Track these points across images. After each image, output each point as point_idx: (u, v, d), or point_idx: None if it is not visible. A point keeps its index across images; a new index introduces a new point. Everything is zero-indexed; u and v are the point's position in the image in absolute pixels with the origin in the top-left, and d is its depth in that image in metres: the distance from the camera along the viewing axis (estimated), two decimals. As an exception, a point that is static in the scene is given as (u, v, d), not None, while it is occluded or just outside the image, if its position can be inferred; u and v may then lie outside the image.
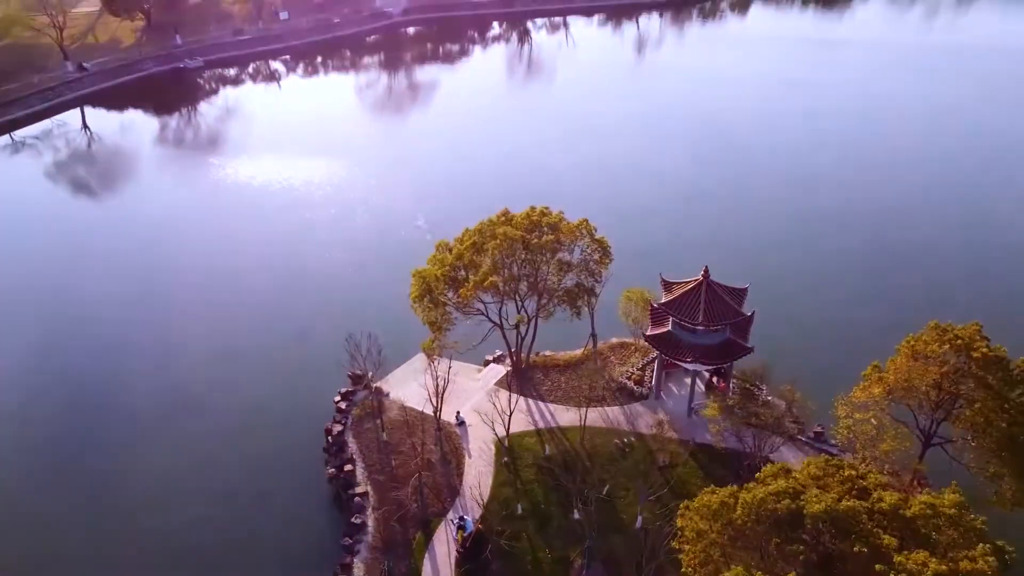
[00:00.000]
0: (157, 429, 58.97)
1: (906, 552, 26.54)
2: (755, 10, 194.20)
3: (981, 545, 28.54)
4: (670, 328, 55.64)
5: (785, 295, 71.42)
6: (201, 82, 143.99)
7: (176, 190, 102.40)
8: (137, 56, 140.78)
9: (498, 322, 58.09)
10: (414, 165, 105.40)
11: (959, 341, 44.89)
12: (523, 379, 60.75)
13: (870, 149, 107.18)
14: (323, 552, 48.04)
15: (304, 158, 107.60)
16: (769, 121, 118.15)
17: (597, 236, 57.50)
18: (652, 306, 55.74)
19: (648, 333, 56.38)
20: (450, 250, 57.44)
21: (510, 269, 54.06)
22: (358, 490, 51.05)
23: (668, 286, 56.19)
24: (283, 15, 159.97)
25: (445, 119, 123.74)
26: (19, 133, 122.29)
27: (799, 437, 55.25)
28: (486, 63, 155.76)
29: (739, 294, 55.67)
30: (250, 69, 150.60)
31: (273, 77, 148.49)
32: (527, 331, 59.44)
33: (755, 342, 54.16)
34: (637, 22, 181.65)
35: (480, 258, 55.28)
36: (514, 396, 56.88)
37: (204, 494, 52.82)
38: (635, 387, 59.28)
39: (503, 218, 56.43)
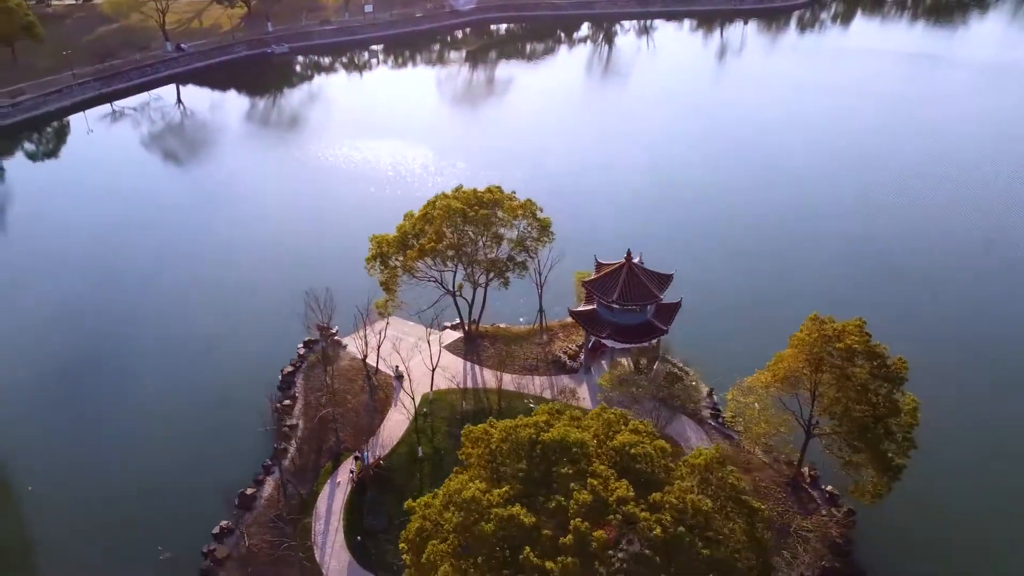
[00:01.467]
0: (164, 357, 67.51)
1: (609, 473, 29.95)
2: (859, 22, 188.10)
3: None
4: (595, 307, 59.19)
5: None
6: (285, 67, 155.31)
7: (253, 162, 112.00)
8: (230, 40, 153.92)
9: (450, 289, 63.24)
10: (477, 153, 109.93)
11: (830, 332, 46.44)
12: (470, 345, 65.49)
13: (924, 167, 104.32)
14: (249, 469, 54.50)
15: (376, 140, 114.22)
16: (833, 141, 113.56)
17: (540, 216, 61.64)
18: (583, 284, 59.42)
19: (572, 309, 60.13)
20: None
21: (450, 238, 58.81)
22: (290, 422, 57.41)
23: (599, 267, 59.65)
24: (368, 8, 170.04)
25: (513, 115, 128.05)
26: (119, 103, 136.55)
27: (709, 422, 57.56)
28: (562, 63, 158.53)
29: (662, 280, 58.39)
30: (333, 57, 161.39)
31: (354, 65, 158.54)
32: (472, 300, 64.24)
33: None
34: (722, 30, 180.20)
35: (428, 227, 60.42)
36: (447, 357, 61.95)
37: (174, 411, 60.35)
38: (568, 360, 62.94)
39: (453, 193, 61.32)
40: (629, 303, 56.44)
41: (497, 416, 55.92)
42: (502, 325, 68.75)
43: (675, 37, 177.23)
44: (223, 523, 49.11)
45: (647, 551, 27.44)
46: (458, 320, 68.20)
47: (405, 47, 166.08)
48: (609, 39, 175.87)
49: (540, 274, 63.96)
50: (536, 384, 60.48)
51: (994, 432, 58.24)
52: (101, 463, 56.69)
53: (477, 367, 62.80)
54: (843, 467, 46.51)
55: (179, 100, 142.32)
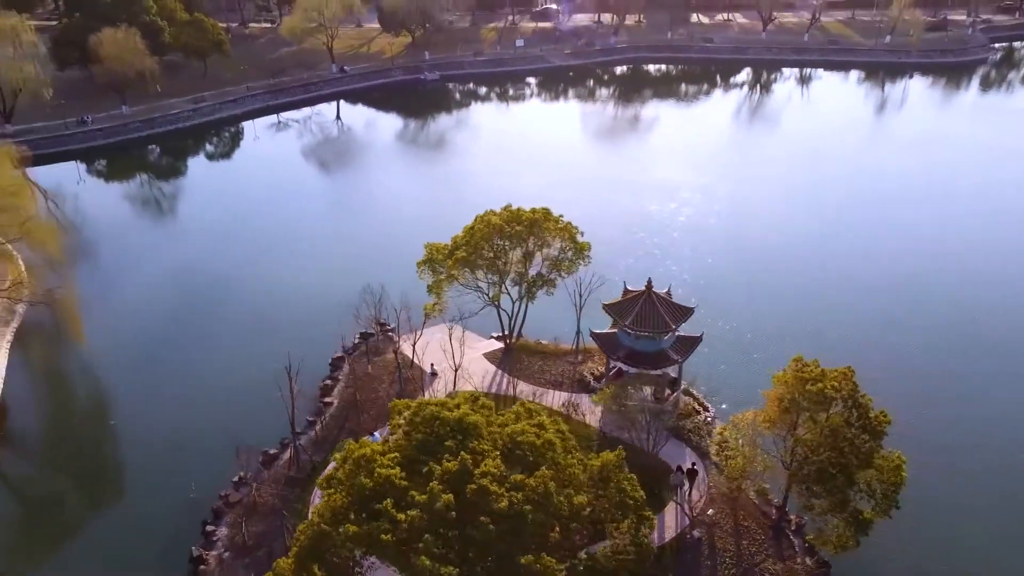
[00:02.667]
0: (249, 327, 76.56)
1: (491, 452, 32.96)
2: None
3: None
4: (617, 331, 61.39)
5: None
6: (435, 92, 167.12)
7: (394, 175, 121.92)
8: (387, 66, 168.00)
9: (491, 301, 67.75)
10: (596, 183, 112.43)
11: (808, 376, 46.34)
12: (507, 356, 69.40)
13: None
14: (281, 435, 61.22)
15: (513, 165, 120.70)
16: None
17: (579, 240, 64.92)
18: (604, 307, 61.91)
19: (594, 331, 62.58)
20: (466, 233, 68.28)
21: (486, 252, 63.36)
22: (326, 399, 63.88)
23: (624, 294, 61.81)
24: (519, 43, 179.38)
25: (648, 152, 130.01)
26: (284, 115, 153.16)
27: (713, 458, 57.74)
28: (712, 106, 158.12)
29: (682, 312, 59.67)
30: (480, 86, 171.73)
31: (501, 95, 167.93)
32: (512, 313, 68.30)
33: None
34: (883, 84, 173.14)
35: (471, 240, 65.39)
36: (482, 363, 66.29)
37: (239, 375, 68.08)
38: (592, 380, 65.23)
39: (500, 211, 65.92)
40: (642, 329, 58.22)
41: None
42: (544, 341, 71.99)
43: (835, 88, 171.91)
44: (241, 473, 55.88)
45: (486, 519, 30.27)
46: (501, 332, 72.31)
47: (553, 81, 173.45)
48: (766, 85, 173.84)
49: (581, 296, 66.86)
50: (553, 397, 63.20)
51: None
52: (171, 409, 65.36)
53: (505, 375, 66.51)
54: (804, 511, 46.03)
55: (338, 116, 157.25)
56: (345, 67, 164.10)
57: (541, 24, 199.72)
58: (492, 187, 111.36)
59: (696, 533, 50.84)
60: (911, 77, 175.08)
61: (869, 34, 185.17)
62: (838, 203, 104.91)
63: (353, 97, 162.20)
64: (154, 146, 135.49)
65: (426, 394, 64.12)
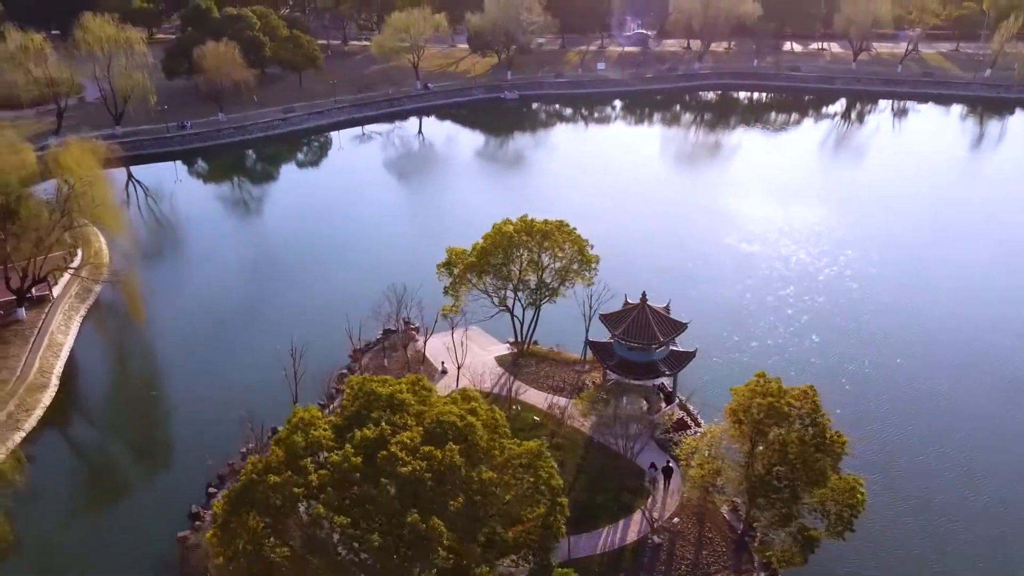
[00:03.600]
0: (290, 313, 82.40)
1: (412, 425, 36.13)
2: None
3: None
4: (612, 341, 63.38)
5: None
6: (514, 112, 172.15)
7: (465, 187, 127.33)
8: (470, 84, 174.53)
9: (502, 306, 71.00)
10: (663, 211, 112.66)
11: (763, 390, 47.28)
12: (517, 360, 72.32)
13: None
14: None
15: (578, 185, 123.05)
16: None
17: (588, 253, 67.39)
18: (600, 317, 64.06)
19: (591, 340, 64.74)
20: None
21: (495, 259, 66.68)
22: (340, 387, 68.54)
23: (624, 305, 63.79)
24: (600, 66, 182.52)
25: (717, 182, 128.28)
26: (369, 127, 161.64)
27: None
28: (798, 136, 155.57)
29: (674, 326, 61.13)
30: (559, 107, 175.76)
31: (579, 117, 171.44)
32: (523, 319, 71.28)
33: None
34: (982, 118, 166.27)
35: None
36: (492, 365, 69.57)
37: (267, 355, 72.85)
38: (591, 387, 67.28)
39: (517, 220, 69.18)
40: (631, 340, 60.10)
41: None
42: (555, 348, 74.49)
43: (927, 121, 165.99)
44: (249, 446, 60.99)
45: (386, 480, 33.47)
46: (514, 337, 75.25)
47: (632, 105, 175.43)
48: (852, 116, 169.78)
49: (591, 307, 69.09)
50: (551, 401, 65.62)
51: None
52: (205, 383, 71.48)
53: (509, 377, 69.30)
54: (752, 525, 46.77)
55: (420, 131, 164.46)
56: (429, 84, 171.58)
57: (628, 48, 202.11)
58: (556, 202, 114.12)
59: (657, 539, 52.18)
60: (1012, 113, 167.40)
61: (969, 67, 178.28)
62: (917, 240, 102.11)
63: (435, 113, 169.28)
64: (244, 151, 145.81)
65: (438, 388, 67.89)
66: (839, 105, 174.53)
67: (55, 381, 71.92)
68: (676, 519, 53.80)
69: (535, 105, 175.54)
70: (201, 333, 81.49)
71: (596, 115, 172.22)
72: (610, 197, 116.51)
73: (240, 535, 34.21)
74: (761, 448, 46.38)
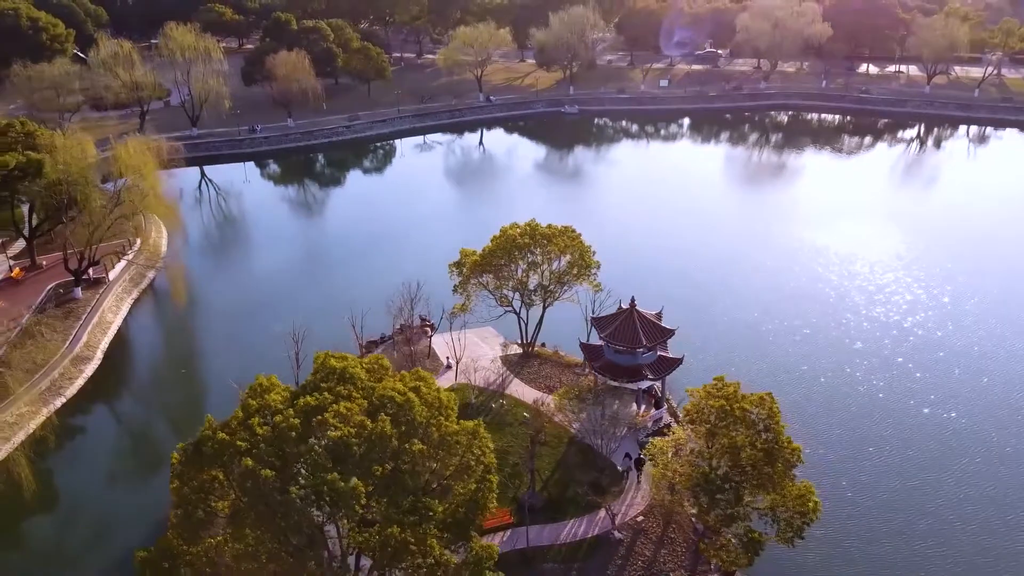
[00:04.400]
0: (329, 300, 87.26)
1: (356, 396, 39.22)
2: None
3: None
4: (602, 344, 65.18)
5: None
6: (574, 126, 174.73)
7: (512, 196, 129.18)
8: (532, 98, 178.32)
9: (510, 307, 73.71)
10: (713, 227, 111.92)
11: (716, 392, 48.39)
12: (521, 360, 74.80)
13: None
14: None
15: (627, 199, 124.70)
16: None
17: (589, 258, 69.48)
18: (591, 319, 65.98)
19: (583, 342, 66.63)
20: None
21: (497, 260, 69.50)
22: (349, 375, 72.52)
23: (619, 310, 65.54)
24: (663, 83, 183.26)
25: (770, 201, 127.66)
26: (430, 137, 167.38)
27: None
28: (865, 160, 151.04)
29: (661, 332, 62.51)
30: (618, 122, 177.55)
31: (640, 133, 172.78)
32: (527, 320, 73.77)
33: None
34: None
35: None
36: (496, 363, 72.39)
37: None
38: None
39: (524, 224, 71.89)
40: (616, 343, 61.82)
41: (477, 411, 65.24)
42: (562, 352, 76.58)
43: (1004, 149, 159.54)
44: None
45: (315, 441, 36.68)
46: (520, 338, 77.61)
47: (693, 123, 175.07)
48: (927, 141, 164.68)
49: (593, 311, 70.99)
50: (544, 401, 67.73)
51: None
52: (228, 362, 76.16)
53: (508, 375, 71.93)
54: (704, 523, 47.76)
55: (481, 142, 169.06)
56: (491, 97, 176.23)
57: (696, 66, 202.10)
58: (598, 214, 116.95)
59: (618, 535, 53.72)
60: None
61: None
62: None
63: (495, 124, 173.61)
64: (309, 155, 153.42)
65: (439, 379, 71.10)
66: (908, 129, 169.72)
67: (99, 355, 78.59)
68: (640, 517, 55.15)
69: (595, 120, 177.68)
70: (236, 319, 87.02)
71: (655, 132, 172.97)
72: (657, 213, 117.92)
73: (191, 486, 38.02)
74: (712, 449, 47.44)
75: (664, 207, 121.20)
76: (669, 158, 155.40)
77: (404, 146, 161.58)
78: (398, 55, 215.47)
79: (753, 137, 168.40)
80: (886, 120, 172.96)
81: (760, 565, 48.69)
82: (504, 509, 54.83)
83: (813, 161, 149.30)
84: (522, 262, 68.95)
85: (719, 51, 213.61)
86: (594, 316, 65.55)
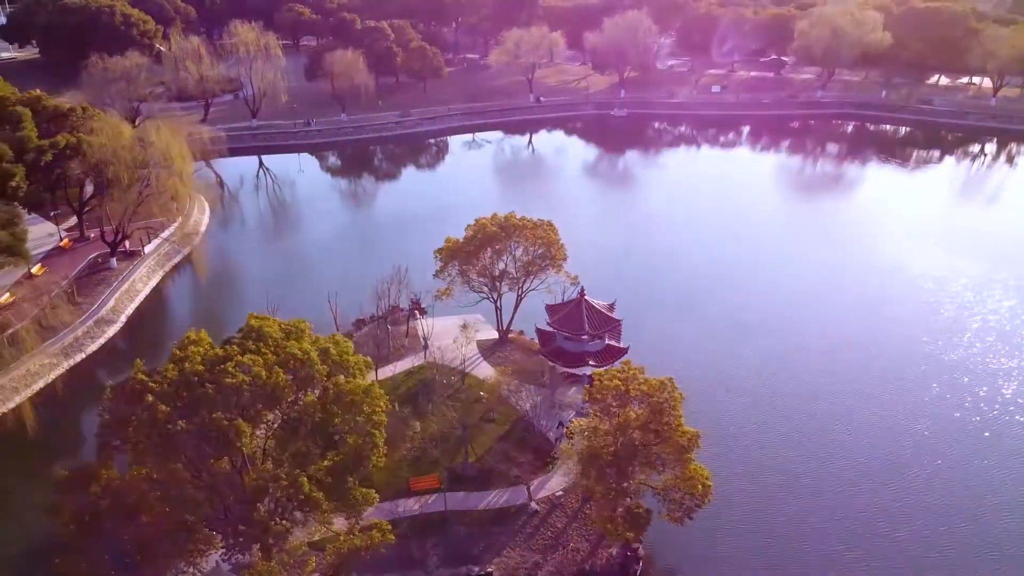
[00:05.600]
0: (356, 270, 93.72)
1: (265, 352, 44.30)
2: None
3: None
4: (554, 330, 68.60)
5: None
6: (621, 129, 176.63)
7: (546, 193, 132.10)
8: (581, 100, 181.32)
9: (483, 294, 77.77)
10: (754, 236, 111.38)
11: (620, 374, 51.23)
12: (495, 346, 78.79)
13: None
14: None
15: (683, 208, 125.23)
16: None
17: (560, 251, 72.84)
18: (546, 306, 69.40)
19: (539, 327, 70.06)
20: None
21: (467, 248, 73.64)
22: (333, 348, 78.19)
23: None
24: (715, 88, 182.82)
25: (807, 210, 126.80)
26: (479, 135, 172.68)
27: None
28: (925, 174, 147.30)
29: (607, 321, 65.48)
30: (665, 127, 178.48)
31: (684, 138, 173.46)
32: (501, 307, 77.70)
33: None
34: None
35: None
36: (470, 348, 76.54)
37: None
38: (542, 374, 72.51)
39: (503, 216, 75.74)
40: (562, 329, 65.17)
41: (435, 389, 69.44)
42: (532, 339, 79.88)
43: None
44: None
45: (211, 385, 41.93)
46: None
47: (744, 129, 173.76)
48: (986, 155, 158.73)
49: (563, 300, 74.27)
50: (505, 383, 71.34)
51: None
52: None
53: (480, 359, 76.02)
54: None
55: (530, 142, 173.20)
56: (541, 98, 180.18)
57: (755, 73, 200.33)
58: (622, 213, 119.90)
59: (534, 506, 57.17)
60: None
61: None
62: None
63: (543, 125, 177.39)
64: (358, 149, 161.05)
65: (413, 358, 76.15)
66: (968, 142, 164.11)
67: (123, 319, 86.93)
68: (560, 492, 58.38)
69: (641, 123, 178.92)
70: (256, 292, 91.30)
71: (700, 137, 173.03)
72: (675, 217, 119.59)
73: (110, 418, 44.00)
74: (605, 427, 50.40)
75: (688, 211, 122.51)
76: (711, 164, 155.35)
77: (451, 143, 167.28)
78: (463, 56, 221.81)
79: (801, 145, 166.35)
80: (950, 133, 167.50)
81: (672, 541, 52.52)
82: (434, 475, 59.29)
83: (860, 172, 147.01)
84: (490, 250, 72.72)
85: (785, 58, 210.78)
86: (548, 304, 68.90)
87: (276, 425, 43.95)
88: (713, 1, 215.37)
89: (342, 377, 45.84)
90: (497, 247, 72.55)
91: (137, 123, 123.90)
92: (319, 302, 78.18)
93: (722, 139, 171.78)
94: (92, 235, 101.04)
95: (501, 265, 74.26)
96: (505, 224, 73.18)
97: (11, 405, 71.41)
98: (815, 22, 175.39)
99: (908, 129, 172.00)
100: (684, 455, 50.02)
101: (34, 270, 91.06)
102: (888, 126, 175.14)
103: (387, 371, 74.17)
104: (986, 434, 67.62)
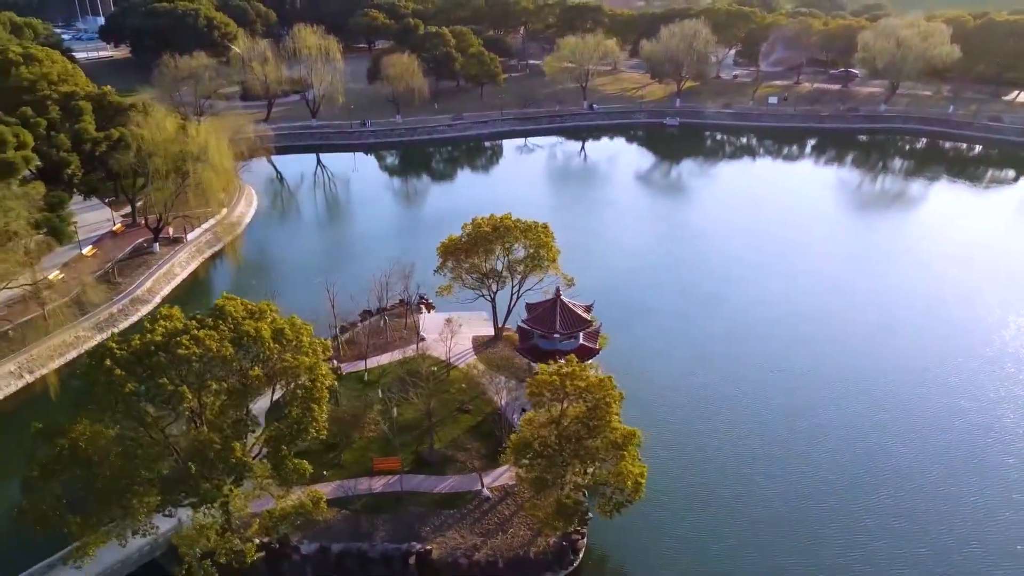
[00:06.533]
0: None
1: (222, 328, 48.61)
2: None
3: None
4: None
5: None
6: (674, 138, 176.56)
7: (590, 200, 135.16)
8: (635, 108, 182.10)
9: (477, 291, 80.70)
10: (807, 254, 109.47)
11: (560, 371, 53.28)
12: (491, 342, 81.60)
13: None
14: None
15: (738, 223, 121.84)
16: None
17: (551, 248, 75.14)
18: (526, 304, 71.88)
19: (520, 324, 72.44)
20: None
21: (464, 245, 76.80)
22: (344, 338, 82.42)
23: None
24: (772, 100, 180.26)
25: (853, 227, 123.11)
26: (532, 140, 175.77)
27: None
28: (993, 195, 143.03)
29: (578, 320, 67.45)
30: (718, 137, 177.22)
31: (738, 149, 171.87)
32: (496, 304, 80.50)
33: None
34: None
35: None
36: (465, 342, 79.63)
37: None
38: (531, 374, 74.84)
39: (500, 217, 78.54)
40: (536, 327, 67.53)
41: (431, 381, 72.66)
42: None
43: None
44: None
45: (163, 354, 46.41)
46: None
47: (800, 142, 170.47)
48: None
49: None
50: (487, 378, 74.17)
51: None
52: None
53: (471, 354, 78.98)
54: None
55: (582, 149, 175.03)
56: (594, 105, 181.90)
57: (820, 85, 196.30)
58: (669, 227, 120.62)
59: (486, 493, 59.75)
60: None
61: None
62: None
63: (594, 132, 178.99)
64: (410, 150, 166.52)
65: (406, 349, 79.85)
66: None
67: (157, 299, 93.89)
68: (514, 482, 60.66)
69: (694, 133, 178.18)
70: (289, 279, 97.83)
71: (754, 148, 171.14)
72: (718, 228, 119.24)
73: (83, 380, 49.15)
74: (542, 419, 52.62)
75: (727, 226, 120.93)
76: (759, 177, 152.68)
77: (501, 147, 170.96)
78: (527, 62, 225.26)
79: (858, 161, 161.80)
80: (1013, 151, 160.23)
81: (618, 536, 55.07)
82: (397, 458, 62.56)
83: (919, 190, 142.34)
84: (481, 250, 75.66)
85: (855, 70, 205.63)
86: (528, 302, 71.32)
87: (223, 396, 47.97)
88: (783, 11, 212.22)
89: (289, 355, 49.64)
90: (487, 246, 75.19)
91: (201, 120, 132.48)
92: (337, 292, 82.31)
93: (775, 152, 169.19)
94: (142, 222, 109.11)
95: (493, 263, 76.85)
96: (498, 224, 75.91)
97: (43, 372, 78.79)
98: (879, 33, 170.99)
99: (979, 148, 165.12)
100: (618, 452, 51.72)
101: (85, 252, 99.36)
102: (956, 144, 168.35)
103: (383, 359, 77.93)
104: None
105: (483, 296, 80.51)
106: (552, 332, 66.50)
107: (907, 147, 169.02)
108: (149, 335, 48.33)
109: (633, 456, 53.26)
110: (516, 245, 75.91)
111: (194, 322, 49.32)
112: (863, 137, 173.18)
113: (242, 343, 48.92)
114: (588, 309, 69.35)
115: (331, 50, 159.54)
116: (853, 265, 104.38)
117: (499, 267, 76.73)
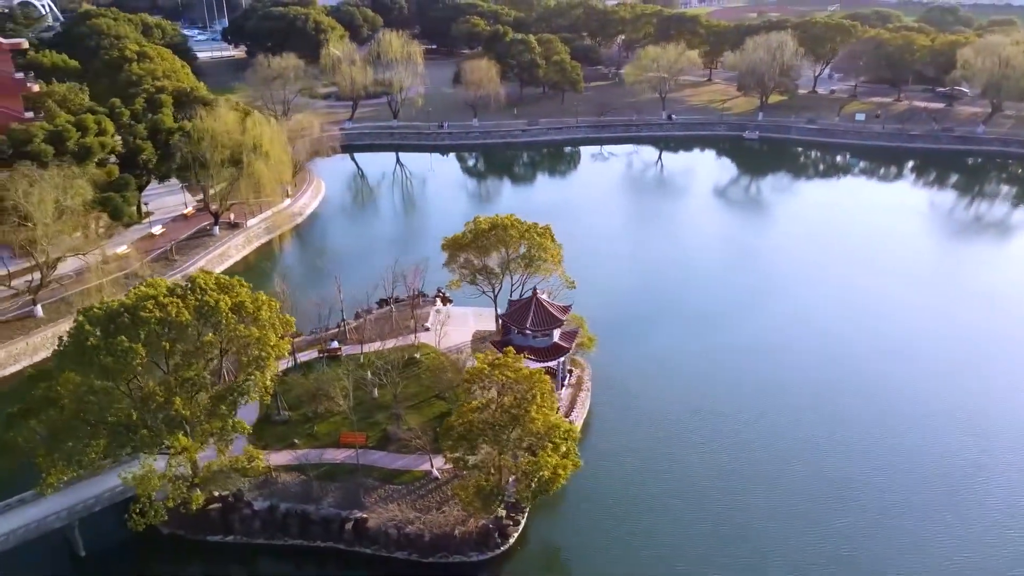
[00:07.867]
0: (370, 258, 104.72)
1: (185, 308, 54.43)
2: None
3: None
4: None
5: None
6: (751, 151, 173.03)
7: (658, 212, 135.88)
8: (715, 120, 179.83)
9: (483, 290, 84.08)
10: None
11: (493, 360, 55.98)
12: (491, 335, 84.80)
13: None
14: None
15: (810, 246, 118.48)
16: None
17: (549, 249, 77.65)
18: (509, 300, 74.61)
19: (504, 319, 75.17)
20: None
21: (462, 240, 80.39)
22: (354, 324, 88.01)
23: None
24: (859, 116, 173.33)
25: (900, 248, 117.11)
26: (607, 148, 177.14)
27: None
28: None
29: (552, 321, 69.57)
30: (799, 152, 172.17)
31: (817, 165, 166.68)
32: (497, 299, 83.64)
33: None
34: None
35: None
36: (466, 335, 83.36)
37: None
38: (518, 367, 77.59)
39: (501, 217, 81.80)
40: (509, 323, 70.26)
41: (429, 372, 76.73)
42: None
43: None
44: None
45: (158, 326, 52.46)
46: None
47: (883, 161, 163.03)
48: None
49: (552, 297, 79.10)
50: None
51: None
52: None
53: (467, 346, 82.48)
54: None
55: (659, 158, 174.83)
56: (672, 115, 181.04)
57: (920, 103, 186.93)
58: (722, 237, 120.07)
59: (435, 473, 63.13)
60: None
61: None
62: None
63: (671, 143, 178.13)
64: (485, 152, 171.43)
65: (408, 338, 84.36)
66: None
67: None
68: (465, 467, 63.69)
69: (773, 147, 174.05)
70: (338, 265, 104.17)
71: (835, 166, 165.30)
72: (779, 250, 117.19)
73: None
74: (471, 405, 55.48)
75: (786, 247, 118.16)
76: (838, 196, 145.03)
77: (574, 153, 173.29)
78: (618, 71, 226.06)
79: (946, 184, 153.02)
80: None
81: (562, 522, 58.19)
82: (363, 434, 66.89)
83: (1005, 218, 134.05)
84: (480, 247, 79.05)
85: (964, 88, 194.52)
86: (511, 299, 74.05)
87: (176, 356, 53.77)
88: (885, 26, 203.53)
89: (243, 327, 54.91)
90: (484, 243, 78.48)
91: (286, 118, 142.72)
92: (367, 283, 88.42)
93: (855, 170, 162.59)
94: (214, 207, 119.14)
95: (489, 262, 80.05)
96: (496, 224, 79.08)
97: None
98: (979, 50, 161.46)
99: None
100: (543, 443, 53.97)
101: (155, 231, 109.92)
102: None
103: (388, 344, 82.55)
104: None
105: (485, 293, 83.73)
106: (523, 328, 69.02)
107: (1004, 173, 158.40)
108: (124, 299, 54.75)
109: (569, 450, 55.49)
110: (520, 244, 78.57)
111: (162, 290, 55.27)
112: (953, 160, 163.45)
113: (203, 312, 54.48)
114: (565, 310, 71.36)
115: (414, 55, 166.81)
116: (928, 297, 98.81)
117: (493, 265, 79.66)
